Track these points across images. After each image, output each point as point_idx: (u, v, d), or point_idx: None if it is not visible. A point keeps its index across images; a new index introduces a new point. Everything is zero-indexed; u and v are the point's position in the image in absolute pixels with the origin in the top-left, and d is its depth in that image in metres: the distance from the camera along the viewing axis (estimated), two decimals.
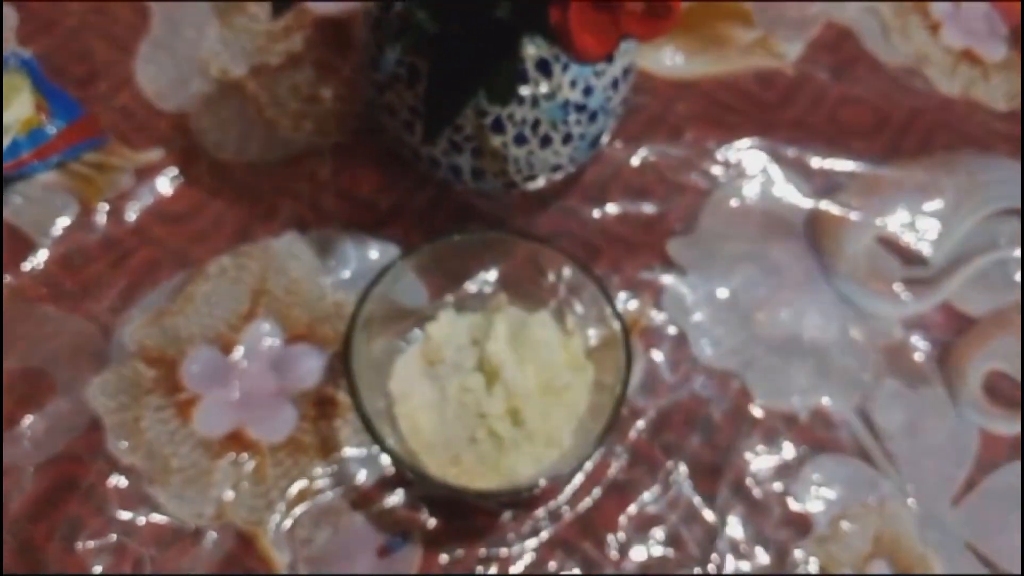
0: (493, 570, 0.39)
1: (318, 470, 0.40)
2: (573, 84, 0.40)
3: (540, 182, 0.44)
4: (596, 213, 0.47)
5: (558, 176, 0.44)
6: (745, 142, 0.50)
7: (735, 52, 0.52)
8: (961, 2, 0.55)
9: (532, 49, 0.39)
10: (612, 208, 0.47)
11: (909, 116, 0.51)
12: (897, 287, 0.47)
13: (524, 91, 0.40)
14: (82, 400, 0.41)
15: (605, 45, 0.33)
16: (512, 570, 0.39)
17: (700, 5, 0.53)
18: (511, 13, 0.38)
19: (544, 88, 0.40)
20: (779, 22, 0.53)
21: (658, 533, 0.40)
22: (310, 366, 0.43)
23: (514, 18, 0.39)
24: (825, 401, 0.43)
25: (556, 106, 0.40)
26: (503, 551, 0.39)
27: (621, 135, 0.49)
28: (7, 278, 0.44)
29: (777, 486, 0.41)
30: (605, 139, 0.44)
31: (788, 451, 0.42)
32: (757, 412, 0.43)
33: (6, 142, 0.45)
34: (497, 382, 0.39)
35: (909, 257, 0.47)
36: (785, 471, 0.42)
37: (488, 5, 0.37)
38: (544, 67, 0.40)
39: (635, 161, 0.49)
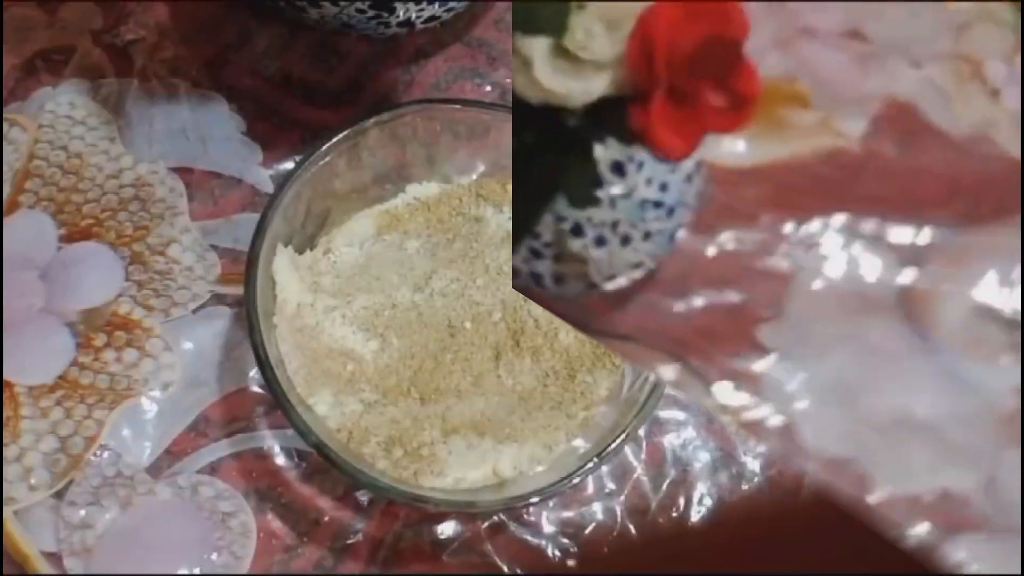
0: None
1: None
2: (649, 182, 0.41)
3: (621, 281, 0.43)
4: (680, 306, 0.47)
5: (638, 273, 0.44)
6: (819, 223, 0.49)
7: (797, 135, 0.52)
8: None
9: (605, 152, 0.40)
10: (696, 300, 0.47)
11: (982, 181, 0.50)
12: (1002, 354, 0.45)
13: (601, 193, 0.40)
14: None
15: (690, 142, 0.34)
16: None
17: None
18: (582, 121, 0.39)
19: (620, 189, 0.40)
20: (839, 101, 0.53)
21: None
22: None
23: (585, 125, 0.40)
24: (949, 479, 0.41)
25: (633, 205, 0.41)
26: None
27: (695, 226, 0.49)
28: None
29: None
30: (681, 232, 0.44)
31: (919, 536, 0.40)
32: (879, 498, 0.41)
33: None
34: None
35: (1007, 322, 0.46)
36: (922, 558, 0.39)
37: (558, 116, 0.38)
38: (618, 168, 0.40)
39: (711, 251, 0.48)
